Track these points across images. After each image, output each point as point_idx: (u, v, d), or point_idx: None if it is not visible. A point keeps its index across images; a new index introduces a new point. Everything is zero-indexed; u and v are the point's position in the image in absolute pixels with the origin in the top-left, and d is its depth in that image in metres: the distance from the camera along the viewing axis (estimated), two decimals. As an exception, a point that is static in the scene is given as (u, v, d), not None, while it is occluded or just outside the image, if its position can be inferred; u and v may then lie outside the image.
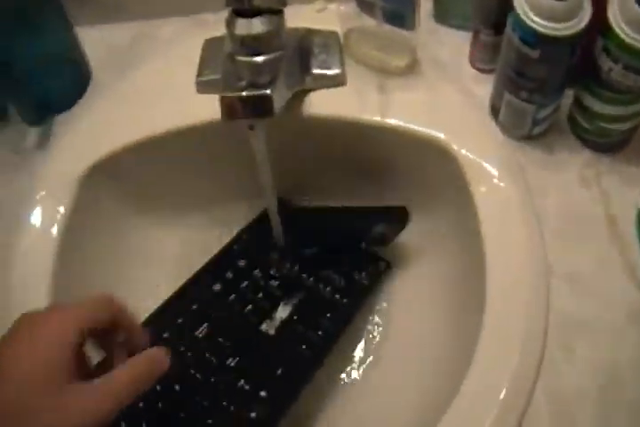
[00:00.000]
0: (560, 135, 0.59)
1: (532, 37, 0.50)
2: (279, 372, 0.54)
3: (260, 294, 0.60)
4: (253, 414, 0.52)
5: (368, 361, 0.59)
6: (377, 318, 0.61)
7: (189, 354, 0.55)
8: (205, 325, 0.57)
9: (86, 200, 0.57)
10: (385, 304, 0.62)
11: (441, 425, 0.44)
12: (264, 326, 0.58)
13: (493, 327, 0.48)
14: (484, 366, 0.46)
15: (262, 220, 0.64)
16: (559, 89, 0.55)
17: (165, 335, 0.56)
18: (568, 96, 0.58)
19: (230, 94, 0.49)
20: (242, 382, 0.54)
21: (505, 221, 0.52)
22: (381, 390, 0.58)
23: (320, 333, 0.57)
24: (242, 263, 0.62)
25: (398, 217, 0.60)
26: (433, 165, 0.58)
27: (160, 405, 0.52)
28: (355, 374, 0.59)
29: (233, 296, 0.59)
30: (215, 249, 0.63)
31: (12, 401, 0.37)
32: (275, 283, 0.61)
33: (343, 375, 0.59)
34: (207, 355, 0.55)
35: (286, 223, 0.60)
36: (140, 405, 0.50)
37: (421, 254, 0.63)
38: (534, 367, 0.47)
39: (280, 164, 0.55)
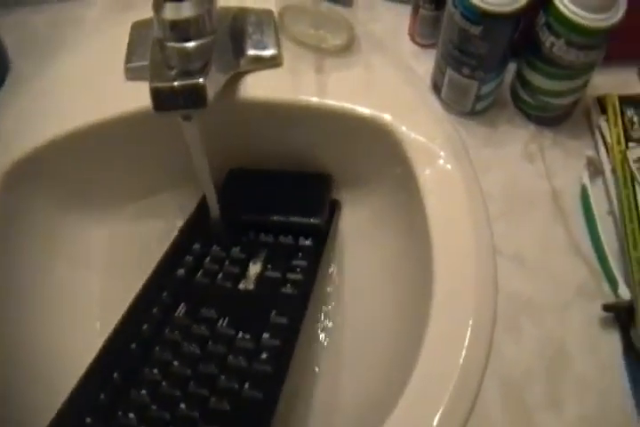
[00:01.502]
0: (503, 110, 0.58)
1: (474, 14, 0.49)
2: (273, 313, 0.53)
3: (226, 263, 0.58)
4: (264, 355, 0.50)
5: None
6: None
7: (176, 333, 0.52)
8: (182, 304, 0.55)
9: (10, 199, 0.54)
10: (332, 269, 0.62)
11: (394, 413, 0.44)
12: (242, 285, 0.57)
13: (442, 310, 0.48)
14: (434, 353, 0.46)
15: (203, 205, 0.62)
16: (501, 64, 0.54)
17: (144, 328, 0.53)
18: (511, 71, 0.57)
19: (160, 84, 0.47)
20: (240, 334, 0.52)
21: (449, 199, 0.52)
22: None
23: (298, 270, 0.57)
24: (197, 246, 0.60)
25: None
26: (374, 145, 0.57)
27: (165, 384, 0.49)
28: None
29: (200, 273, 0.57)
30: (154, 242, 0.61)
31: None
32: (237, 249, 0.60)
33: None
34: (195, 327, 0.53)
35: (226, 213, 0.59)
36: (143, 391, 0.48)
37: (367, 237, 0.62)
38: (485, 350, 0.47)
39: (215, 149, 0.52)
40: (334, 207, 0.63)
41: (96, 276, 0.60)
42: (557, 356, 0.49)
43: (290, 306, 0.54)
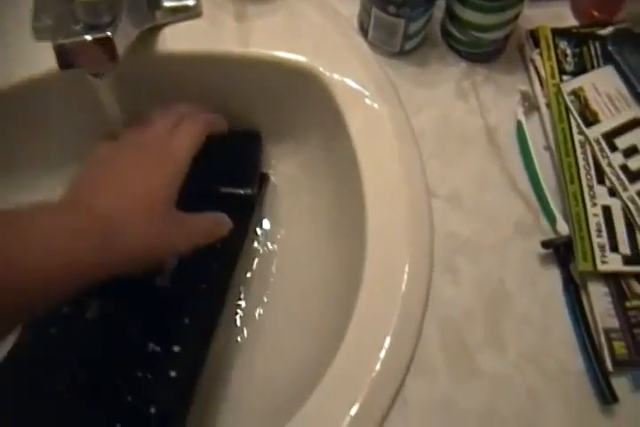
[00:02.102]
0: (434, 49, 0.56)
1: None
2: (186, 321, 0.52)
3: None
4: (174, 374, 0.49)
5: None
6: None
7: (85, 339, 0.51)
8: (94, 303, 0.52)
9: None
10: (267, 226, 0.60)
11: (334, 363, 0.44)
12: (158, 282, 0.54)
13: (377, 255, 0.47)
14: (371, 297, 0.46)
15: None
16: (428, 0, 0.52)
17: (53, 331, 0.51)
18: (440, 7, 0.55)
19: (64, 41, 0.45)
20: (151, 345, 0.51)
21: (379, 141, 0.51)
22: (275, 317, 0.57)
23: (215, 264, 0.55)
24: None
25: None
26: (302, 93, 0.55)
27: (71, 397, 0.48)
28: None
29: None
30: None
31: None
32: None
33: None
34: (105, 332, 0.51)
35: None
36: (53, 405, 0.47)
37: (298, 184, 0.60)
38: (423, 292, 0.47)
39: (134, 109, 0.51)
40: (262, 180, 0.61)
41: None
42: (497, 295, 0.48)
43: (204, 308, 0.52)
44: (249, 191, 0.57)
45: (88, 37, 0.45)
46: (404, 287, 0.46)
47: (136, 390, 0.48)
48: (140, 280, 0.53)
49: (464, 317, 0.47)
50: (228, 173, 0.58)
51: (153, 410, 0.47)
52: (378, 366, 0.44)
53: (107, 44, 0.45)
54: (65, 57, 0.45)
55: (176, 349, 0.50)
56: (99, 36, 0.45)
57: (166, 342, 0.51)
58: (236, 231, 0.56)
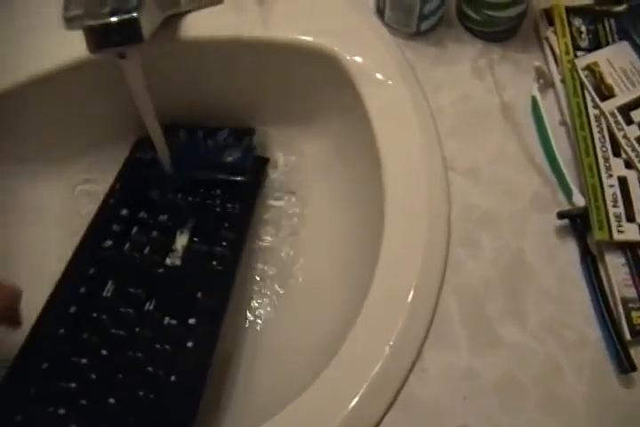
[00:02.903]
0: (450, 29, 0.57)
1: None
2: (199, 295, 0.54)
3: (154, 233, 0.58)
4: (190, 344, 0.51)
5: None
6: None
7: (104, 317, 0.53)
8: (110, 282, 0.55)
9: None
10: (292, 204, 0.62)
11: (352, 332, 0.45)
12: (169, 261, 0.57)
13: (395, 228, 0.48)
14: (389, 268, 0.46)
15: (128, 164, 0.63)
16: (441, -20, 0.53)
17: (72, 310, 0.53)
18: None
19: (94, 22, 0.46)
20: (167, 319, 0.53)
21: (398, 121, 0.51)
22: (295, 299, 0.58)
23: (224, 243, 0.57)
24: (124, 212, 0.59)
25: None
26: (321, 74, 0.56)
27: (94, 375, 0.50)
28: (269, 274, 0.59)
29: (127, 245, 0.57)
30: (100, 194, 0.61)
31: None
32: (164, 217, 0.59)
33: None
34: (122, 310, 0.53)
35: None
36: (73, 385, 0.49)
37: (321, 166, 0.62)
38: (440, 264, 0.48)
39: (160, 93, 0.52)
40: (264, 164, 0.63)
41: (49, 237, 0.60)
42: (515, 266, 0.49)
43: (216, 286, 0.54)
44: (241, 178, 0.60)
45: (115, 19, 0.47)
46: (421, 258, 0.47)
47: (155, 361, 0.50)
48: (151, 260, 0.57)
49: (483, 288, 0.48)
50: (223, 164, 0.61)
51: (173, 378, 0.49)
52: (393, 339, 0.44)
53: (132, 24, 0.47)
54: (94, 39, 0.47)
55: (191, 321, 0.52)
56: (126, 16, 0.47)
57: (181, 316, 0.53)
58: (241, 212, 0.59)
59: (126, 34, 0.47)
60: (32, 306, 0.53)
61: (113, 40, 0.47)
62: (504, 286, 0.48)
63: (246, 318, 0.57)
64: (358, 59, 0.53)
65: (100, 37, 0.47)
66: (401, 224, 0.48)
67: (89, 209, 0.60)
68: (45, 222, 0.61)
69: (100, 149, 0.63)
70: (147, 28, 0.48)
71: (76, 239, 0.57)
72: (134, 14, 0.47)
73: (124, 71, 0.50)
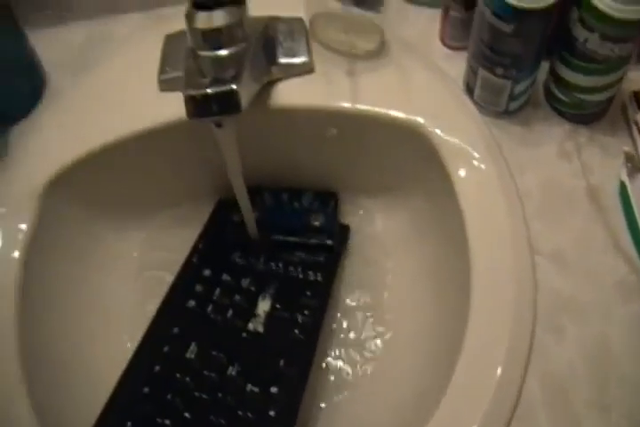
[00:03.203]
0: (537, 109, 0.58)
1: (506, 11, 0.49)
2: (282, 363, 0.54)
3: (236, 297, 0.58)
4: (272, 413, 0.51)
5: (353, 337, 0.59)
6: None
7: (187, 379, 0.53)
8: (193, 344, 0.55)
9: (50, 213, 0.54)
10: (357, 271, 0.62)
11: (437, 413, 0.44)
12: (251, 326, 0.57)
13: (481, 311, 0.47)
14: (474, 354, 0.46)
15: (212, 225, 0.63)
16: (535, 63, 0.54)
17: (157, 369, 0.54)
18: (544, 69, 0.56)
19: (194, 92, 0.48)
20: (249, 386, 0.53)
21: (485, 200, 0.51)
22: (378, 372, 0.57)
23: (306, 312, 0.57)
24: (207, 273, 0.60)
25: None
26: (409, 148, 0.56)
27: None
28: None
29: (210, 307, 0.58)
30: (184, 249, 0.62)
31: None
32: (246, 281, 0.60)
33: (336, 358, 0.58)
34: (205, 373, 0.54)
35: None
36: None
37: (405, 243, 0.62)
38: (525, 351, 0.47)
39: (248, 157, 0.53)
40: (345, 232, 0.64)
41: (125, 286, 0.61)
42: (601, 355, 0.48)
43: (298, 354, 0.54)
44: (330, 241, 0.61)
45: (215, 90, 0.48)
46: (507, 342, 0.46)
47: None
48: (233, 324, 0.57)
49: (567, 375, 0.47)
50: (309, 227, 0.61)
51: None
52: (478, 422, 0.43)
53: (232, 96, 0.48)
54: (194, 107, 0.48)
55: (273, 389, 0.52)
56: (225, 88, 0.48)
57: (264, 383, 0.53)
58: (324, 280, 0.59)
59: (225, 105, 0.48)
60: (110, 354, 0.55)
61: (212, 110, 0.48)
62: (588, 374, 0.47)
63: (324, 388, 0.57)
64: (448, 136, 0.53)
65: (199, 107, 0.48)
66: (487, 306, 0.47)
67: (167, 261, 0.61)
68: (124, 271, 0.62)
69: (180, 205, 0.65)
70: (244, 98, 0.49)
71: (155, 292, 0.58)
72: (233, 86, 0.48)
73: (218, 137, 0.51)
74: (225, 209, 0.64)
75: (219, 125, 0.50)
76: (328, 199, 0.63)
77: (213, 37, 0.48)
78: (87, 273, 0.59)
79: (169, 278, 0.60)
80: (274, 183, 0.63)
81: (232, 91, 0.48)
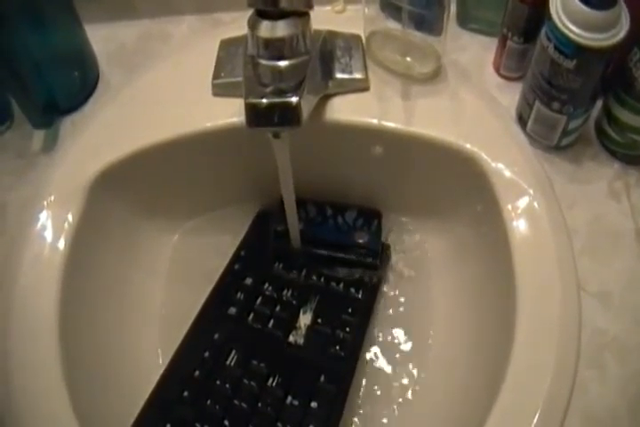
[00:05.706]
0: (588, 146, 0.57)
1: (569, 47, 0.49)
2: (322, 379, 0.53)
3: (278, 307, 0.58)
4: None
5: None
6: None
7: (227, 386, 0.52)
8: (233, 352, 0.54)
9: (95, 207, 0.54)
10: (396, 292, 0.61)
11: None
12: (292, 338, 0.56)
13: (525, 347, 0.47)
14: (516, 388, 0.45)
15: (254, 233, 0.63)
16: (592, 100, 0.53)
17: (197, 374, 0.53)
18: (596, 106, 0.56)
19: (256, 101, 0.47)
20: (289, 398, 0.52)
21: (534, 234, 0.51)
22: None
23: (347, 329, 0.57)
24: (248, 281, 0.59)
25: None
26: (456, 174, 0.56)
27: None
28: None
29: (251, 316, 0.57)
30: (218, 254, 0.61)
31: None
32: (288, 292, 0.59)
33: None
34: (245, 381, 0.53)
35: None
36: None
37: (447, 268, 0.61)
38: (568, 388, 0.46)
39: (295, 168, 0.52)
40: (387, 250, 0.63)
41: (161, 286, 0.61)
42: (643, 399, 0.47)
43: (339, 371, 0.54)
44: (373, 260, 0.60)
45: (277, 100, 0.47)
46: (549, 380, 0.45)
47: None
48: (274, 335, 0.56)
49: (608, 416, 0.46)
50: (354, 244, 0.61)
51: None
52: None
53: (294, 109, 0.47)
54: (254, 116, 0.47)
55: (313, 404, 0.52)
56: (287, 100, 0.47)
57: (304, 397, 0.52)
58: (365, 298, 0.59)
59: (286, 117, 0.47)
60: (147, 355, 0.55)
61: (272, 120, 0.47)
62: (631, 417, 0.46)
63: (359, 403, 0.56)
64: (500, 165, 0.53)
65: (259, 116, 0.47)
66: (531, 341, 0.46)
67: (200, 265, 0.61)
68: (160, 271, 0.62)
69: (217, 210, 0.64)
70: (305, 112, 0.48)
71: (189, 296, 0.58)
72: (295, 98, 0.47)
73: (273, 147, 0.50)
74: (267, 218, 0.63)
75: (276, 136, 0.49)
76: (372, 217, 0.62)
77: (276, 47, 0.47)
78: (126, 270, 0.59)
79: (201, 283, 0.59)
80: (318, 196, 0.62)
81: (293, 103, 0.47)
